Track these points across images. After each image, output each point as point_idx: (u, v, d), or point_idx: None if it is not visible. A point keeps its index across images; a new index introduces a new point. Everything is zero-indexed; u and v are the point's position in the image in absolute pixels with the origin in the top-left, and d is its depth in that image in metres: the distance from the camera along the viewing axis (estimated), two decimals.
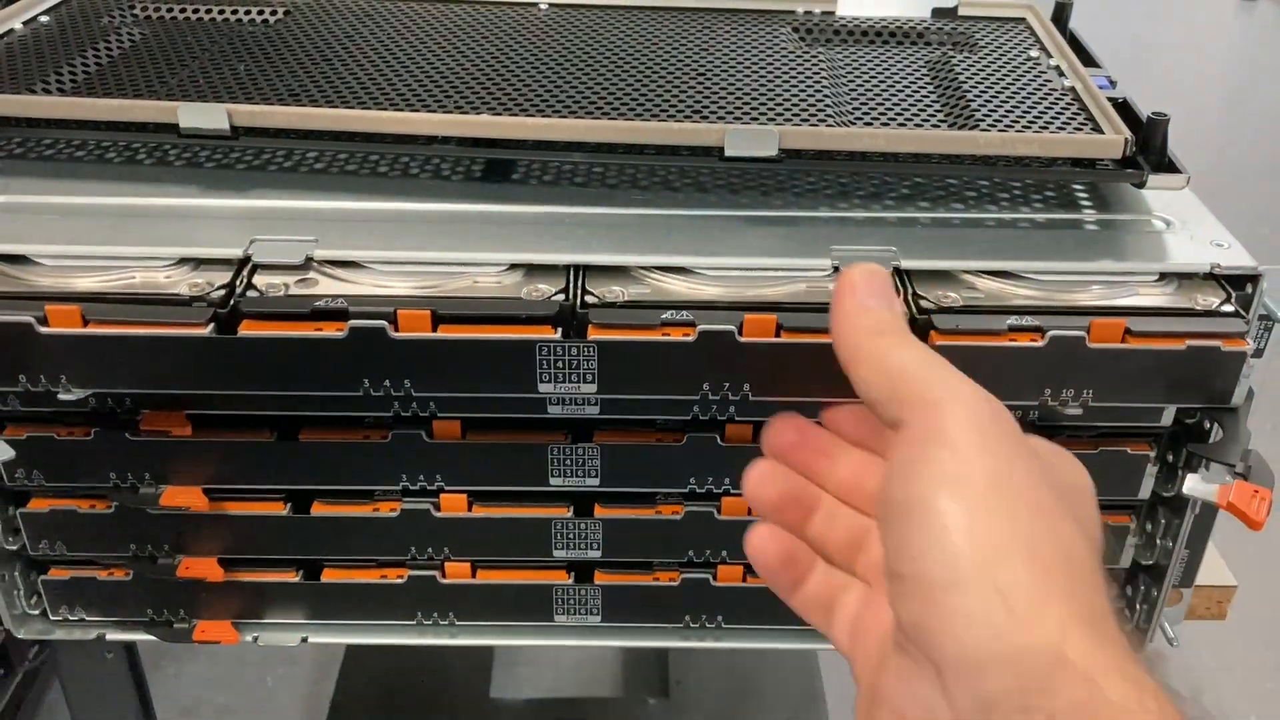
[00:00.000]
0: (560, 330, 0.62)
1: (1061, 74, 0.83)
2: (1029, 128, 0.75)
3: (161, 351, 0.63)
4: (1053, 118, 0.76)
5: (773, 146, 0.71)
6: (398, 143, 0.76)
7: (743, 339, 0.62)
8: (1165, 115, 0.73)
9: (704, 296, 0.64)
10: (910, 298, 0.64)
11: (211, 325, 0.62)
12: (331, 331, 0.62)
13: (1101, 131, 0.74)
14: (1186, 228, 0.73)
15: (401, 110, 0.76)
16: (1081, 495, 0.48)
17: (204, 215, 0.73)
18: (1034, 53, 0.87)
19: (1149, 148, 0.73)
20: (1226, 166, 3.33)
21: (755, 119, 0.75)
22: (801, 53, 0.86)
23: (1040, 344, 0.62)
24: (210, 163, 0.80)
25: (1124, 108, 0.79)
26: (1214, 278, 0.67)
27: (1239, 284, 0.67)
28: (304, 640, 0.76)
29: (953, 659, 0.41)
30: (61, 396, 0.64)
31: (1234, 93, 4.26)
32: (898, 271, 0.66)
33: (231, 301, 0.63)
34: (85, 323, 0.62)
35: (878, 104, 0.78)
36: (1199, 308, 0.65)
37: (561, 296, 0.63)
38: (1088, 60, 0.88)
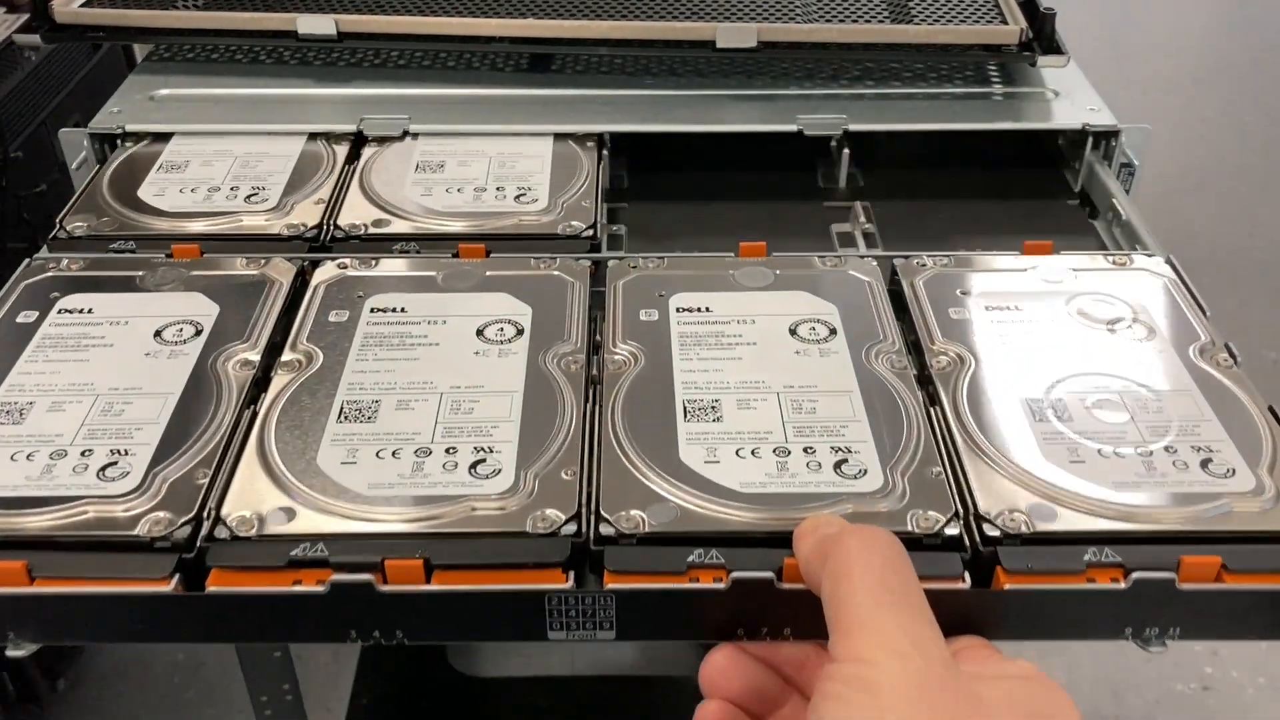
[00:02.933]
0: (573, 577, 0.56)
1: None
2: (950, 22, 0.97)
3: (119, 608, 0.56)
4: (971, 14, 0.99)
5: (752, 40, 0.94)
6: (463, 43, 0.99)
7: (783, 585, 0.55)
8: (1053, 10, 0.95)
9: (738, 524, 0.57)
10: (972, 519, 0.58)
11: (176, 578, 0.55)
12: (311, 586, 0.55)
13: (1006, 24, 0.97)
14: (1070, 97, 0.97)
15: (466, 17, 0.99)
16: None
17: (318, 101, 0.97)
18: None
19: (1041, 35, 0.95)
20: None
21: (740, 19, 0.98)
22: None
23: (1123, 586, 0.55)
24: (318, 61, 1.03)
25: (1028, 4, 1.01)
26: None
27: (1103, 138, 0.91)
28: None
29: None
30: (11, 653, 0.57)
31: None
32: (957, 473, 0.61)
33: (198, 544, 0.56)
34: (32, 579, 0.55)
35: (836, 5, 1.01)
36: None
37: (572, 528, 0.57)
38: None
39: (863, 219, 0.89)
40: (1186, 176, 2.76)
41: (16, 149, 1.30)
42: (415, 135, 0.91)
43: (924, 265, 0.76)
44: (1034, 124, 0.93)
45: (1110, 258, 0.78)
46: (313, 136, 0.91)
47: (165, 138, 0.92)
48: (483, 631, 0.57)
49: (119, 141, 0.92)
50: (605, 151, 0.90)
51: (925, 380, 0.68)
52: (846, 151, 0.93)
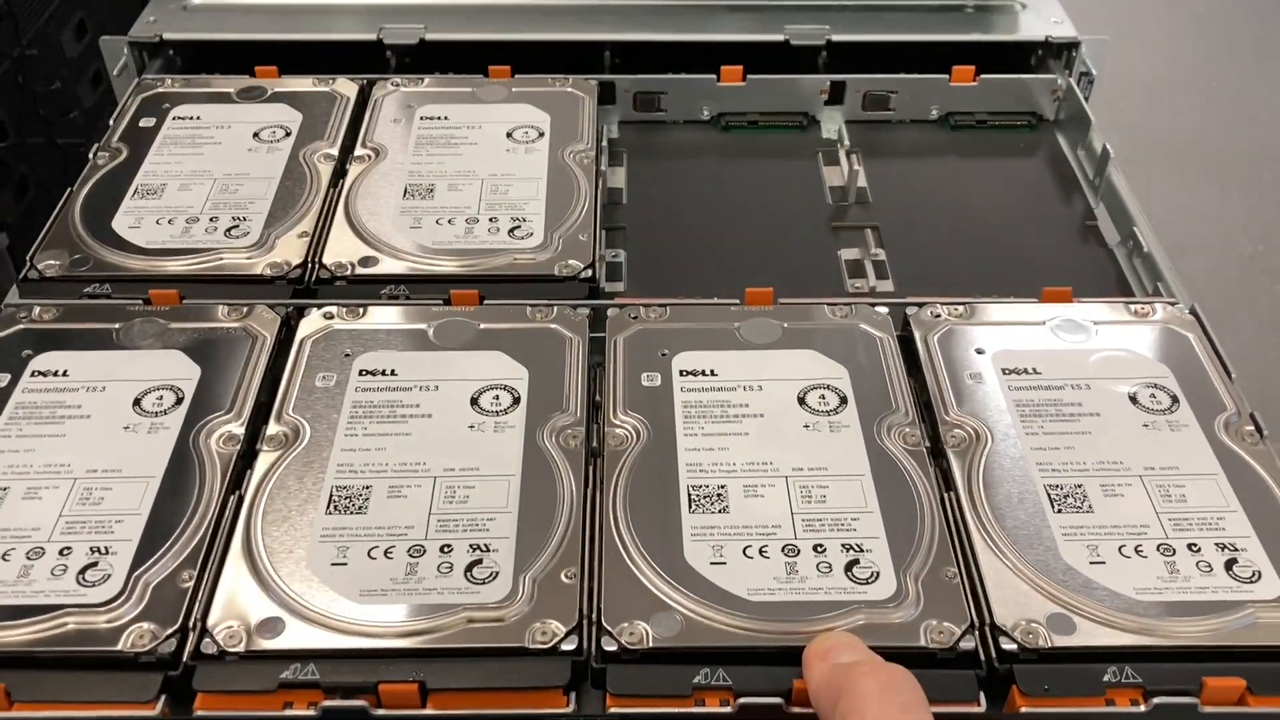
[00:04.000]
0: (574, 698, 0.54)
1: None
2: None
3: None
4: None
5: None
6: None
7: (792, 709, 0.54)
8: None
9: (745, 637, 0.55)
10: (988, 629, 0.56)
11: (163, 700, 0.53)
12: (303, 710, 0.53)
13: None
14: (1036, 10, 1.04)
15: None
16: None
17: (341, 11, 1.04)
18: None
19: None
20: None
21: None
22: None
23: (1143, 709, 0.54)
24: None
25: None
26: None
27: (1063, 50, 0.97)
28: None
29: None
30: None
31: None
32: (973, 574, 0.58)
33: (184, 661, 0.54)
34: (11, 702, 0.54)
35: None
36: None
37: (573, 644, 0.54)
38: None
39: (873, 245, 0.86)
40: (1173, 76, 2.72)
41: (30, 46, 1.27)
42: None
43: (937, 316, 0.73)
44: (1001, 36, 1.01)
45: (1132, 307, 0.74)
46: (295, 153, 0.86)
47: (149, 137, 0.87)
48: None
49: (155, 51, 1.01)
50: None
51: (939, 453, 0.65)
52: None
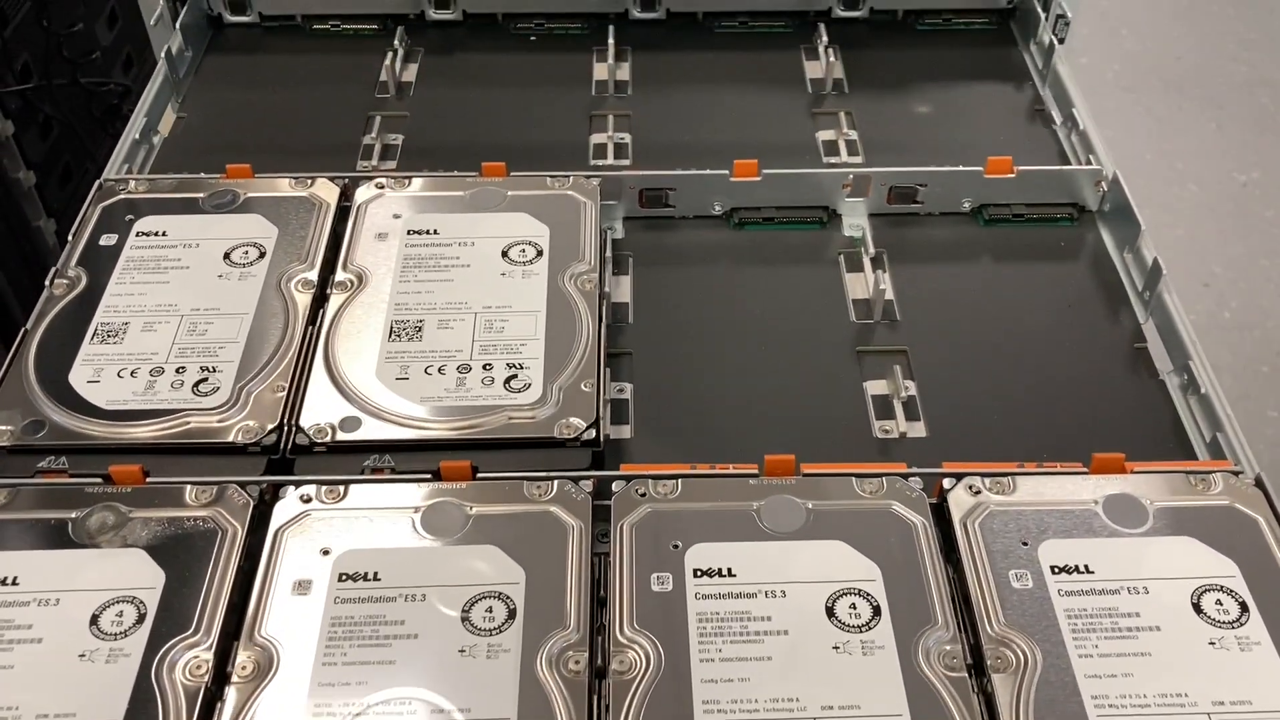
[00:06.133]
0: None
1: None
2: None
3: None
4: None
5: None
6: None
7: None
8: None
9: None
10: None
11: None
12: None
13: None
14: None
15: None
16: None
17: None
18: None
19: None
20: None
21: None
22: None
23: None
24: None
25: None
26: None
27: None
28: None
29: None
30: None
31: None
32: None
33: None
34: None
35: None
36: None
37: None
38: None
39: (901, 378, 0.78)
40: (1173, 2, 2.69)
41: None
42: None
43: (976, 493, 0.66)
44: None
45: (1192, 479, 0.67)
46: (270, 280, 0.79)
47: (110, 259, 0.80)
48: None
49: None
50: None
51: (979, 670, 0.59)
52: None
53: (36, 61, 1.31)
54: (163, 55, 1.03)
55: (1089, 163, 0.91)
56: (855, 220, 0.90)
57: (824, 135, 0.98)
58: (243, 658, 0.59)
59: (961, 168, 0.89)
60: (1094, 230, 0.90)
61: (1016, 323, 0.83)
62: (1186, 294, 2.06)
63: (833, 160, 0.95)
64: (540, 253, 0.81)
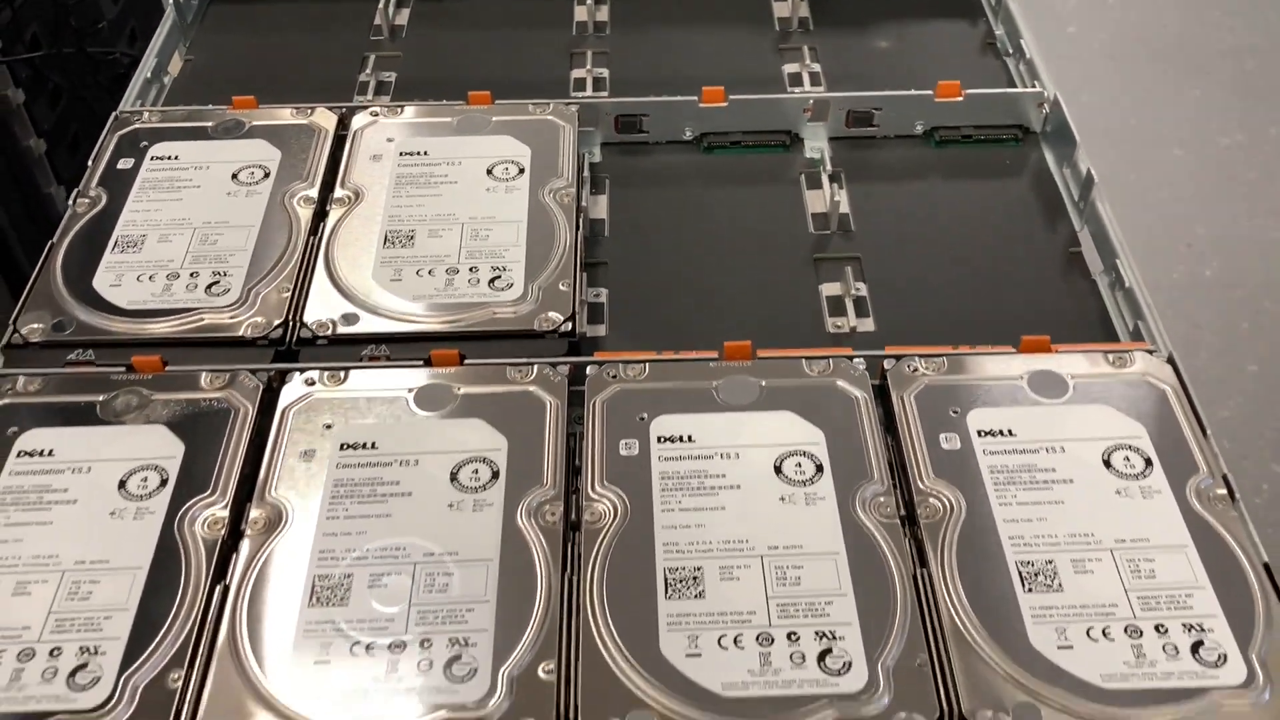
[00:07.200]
0: None
1: None
2: None
3: None
4: None
5: None
6: None
7: None
8: None
9: None
10: None
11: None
12: None
13: None
14: None
15: None
16: None
17: None
18: None
19: None
20: None
21: None
22: None
23: None
24: None
25: None
26: None
27: None
28: None
29: None
30: None
31: None
32: (942, 660, 0.59)
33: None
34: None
35: None
36: None
37: None
38: None
39: (853, 281, 0.85)
40: None
41: None
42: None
43: (915, 371, 0.73)
44: None
45: (1110, 357, 0.74)
46: (275, 196, 0.86)
47: (128, 180, 0.87)
48: None
49: None
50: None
51: (912, 521, 0.66)
52: None
53: (45, 31, 1.36)
54: (171, 2, 1.10)
55: (1033, 88, 0.98)
56: (816, 143, 0.97)
57: (789, 68, 1.05)
58: (255, 514, 0.67)
59: (913, 91, 0.95)
60: (1037, 150, 0.96)
61: (962, 233, 0.90)
62: (1169, 254, 2.14)
63: (796, 91, 1.02)
64: (522, 170, 0.88)
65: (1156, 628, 0.60)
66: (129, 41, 1.54)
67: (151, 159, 0.90)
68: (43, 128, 1.34)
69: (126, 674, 0.59)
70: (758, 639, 0.60)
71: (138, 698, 0.58)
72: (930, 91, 0.95)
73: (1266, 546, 0.64)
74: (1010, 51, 1.06)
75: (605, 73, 1.05)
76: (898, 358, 0.74)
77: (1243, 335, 1.98)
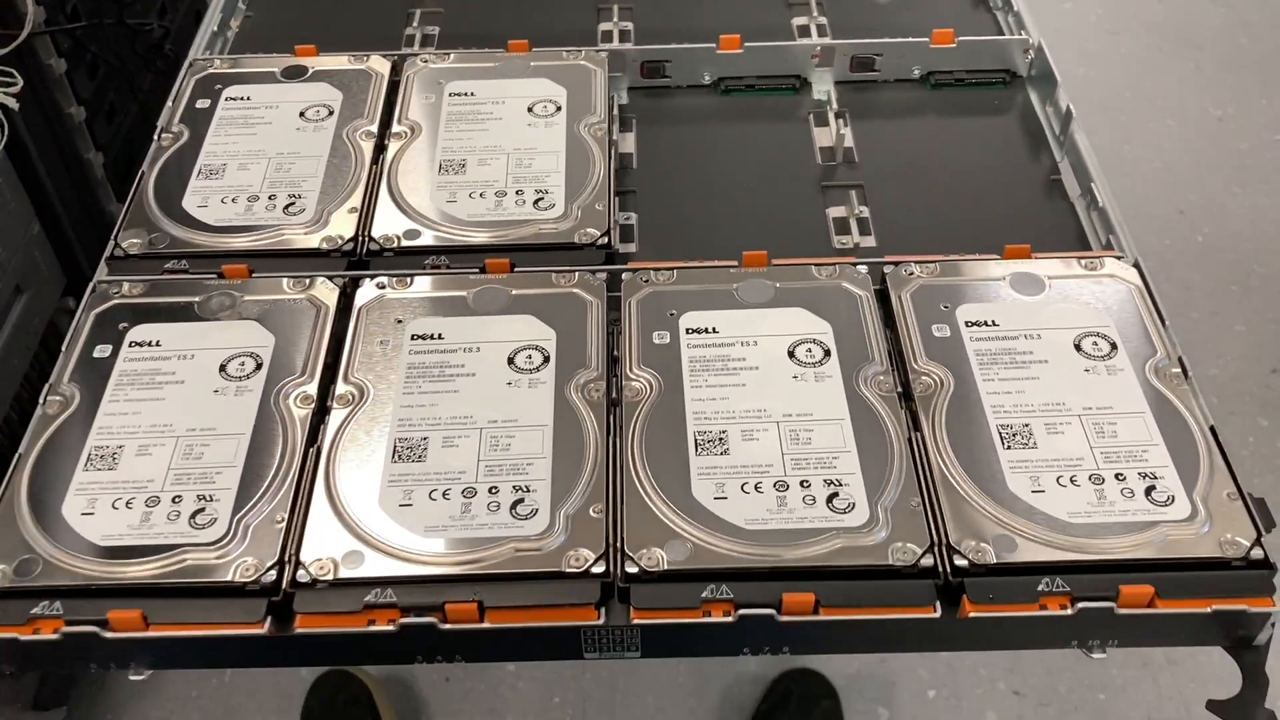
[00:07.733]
0: (603, 612, 0.67)
1: None
2: None
3: (220, 645, 0.67)
4: None
5: None
6: None
7: (782, 618, 0.66)
8: None
9: (743, 560, 0.67)
10: (944, 549, 0.67)
11: (269, 621, 0.66)
12: (384, 626, 0.66)
13: None
14: None
15: None
16: None
17: None
18: None
19: None
20: None
21: None
22: None
23: (1069, 612, 0.65)
24: None
25: None
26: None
27: None
28: None
29: None
30: (132, 677, 0.69)
31: None
32: (933, 503, 0.70)
33: (283, 589, 0.67)
34: (147, 624, 0.66)
35: None
36: (1230, 555, 0.67)
37: (601, 566, 0.67)
38: None
39: (857, 204, 0.95)
40: None
41: None
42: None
43: (911, 274, 0.84)
44: None
45: (1083, 262, 0.84)
46: (339, 132, 0.96)
47: (206, 118, 0.97)
48: (529, 654, 0.69)
49: None
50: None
51: (908, 397, 0.77)
52: None
53: (85, 3, 1.39)
54: None
55: (1020, 35, 1.08)
56: (823, 87, 1.07)
57: (798, 20, 1.14)
58: (341, 389, 0.77)
59: (911, 39, 1.06)
60: (1023, 91, 1.07)
61: (955, 165, 1.00)
62: (1162, 221, 2.24)
63: (805, 40, 1.12)
64: (559, 108, 0.98)
65: (1116, 475, 0.71)
66: (159, 14, 1.60)
67: (226, 99, 1.00)
68: (82, 96, 1.38)
69: (238, 516, 0.70)
70: (775, 485, 0.70)
71: (250, 534, 0.69)
72: (926, 39, 1.05)
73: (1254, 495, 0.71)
74: (1000, 6, 1.15)
75: (630, 26, 1.14)
76: (896, 263, 0.85)
77: (1232, 297, 2.08)
